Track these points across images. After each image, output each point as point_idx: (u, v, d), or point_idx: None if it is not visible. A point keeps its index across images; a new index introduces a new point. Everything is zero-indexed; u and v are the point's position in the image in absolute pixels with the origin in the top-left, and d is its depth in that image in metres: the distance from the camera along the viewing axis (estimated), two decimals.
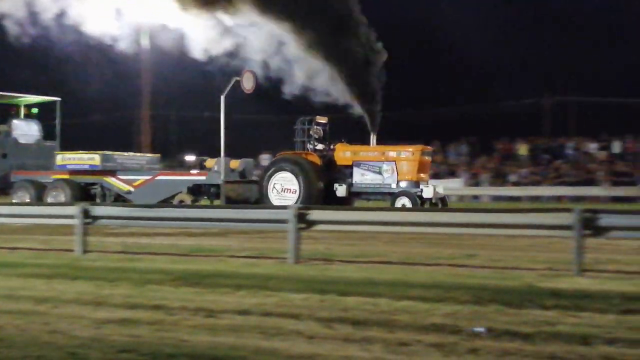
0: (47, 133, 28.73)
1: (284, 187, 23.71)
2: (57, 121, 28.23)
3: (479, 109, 48.03)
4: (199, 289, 9.72)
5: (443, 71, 51.54)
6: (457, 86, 51.96)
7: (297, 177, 23.58)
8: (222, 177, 24.26)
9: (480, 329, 7.11)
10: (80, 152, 26.22)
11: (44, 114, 29.30)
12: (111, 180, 25.51)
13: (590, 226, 11.23)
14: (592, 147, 42.37)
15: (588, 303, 8.42)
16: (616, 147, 42.09)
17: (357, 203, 24.79)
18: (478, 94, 49.86)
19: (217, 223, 14.55)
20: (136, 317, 7.89)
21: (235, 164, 25.12)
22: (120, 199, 25.28)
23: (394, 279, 10.50)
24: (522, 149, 42.34)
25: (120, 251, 14.51)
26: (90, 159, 25.73)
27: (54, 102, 28.37)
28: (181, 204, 22.38)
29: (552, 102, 52.72)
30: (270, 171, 24.10)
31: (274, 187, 23.83)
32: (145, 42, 34.26)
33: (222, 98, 24.55)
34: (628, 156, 41.25)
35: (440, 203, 23.29)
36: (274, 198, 23.72)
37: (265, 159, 42.91)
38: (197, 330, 7.31)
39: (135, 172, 25.81)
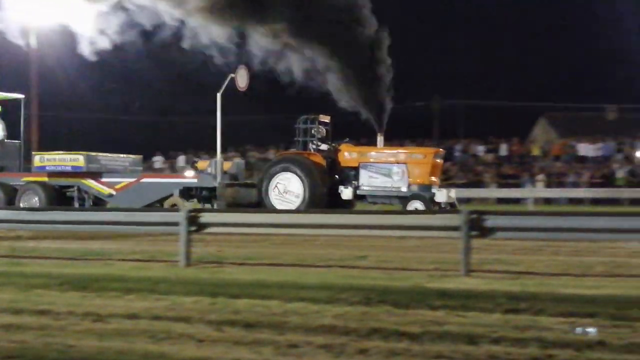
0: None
1: (287, 189, 22.53)
2: (22, 119, 26.03)
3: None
4: (86, 293, 9.56)
5: None
6: None
7: (301, 179, 22.36)
8: (218, 179, 22.88)
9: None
10: (62, 152, 24.71)
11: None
12: (90, 182, 24.00)
13: (477, 227, 11.47)
14: (480, 149, 43.31)
15: (474, 303, 8.59)
16: (503, 149, 43.13)
17: (360, 206, 23.38)
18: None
19: (107, 226, 14.34)
20: (21, 323, 7.71)
21: (227, 165, 23.92)
22: (101, 202, 23.85)
23: (285, 281, 10.52)
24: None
25: (6, 255, 14.14)
26: (73, 159, 24.23)
27: (18, 99, 26.06)
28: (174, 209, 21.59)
29: (441, 105, 53.70)
30: (272, 172, 22.82)
31: (275, 188, 22.63)
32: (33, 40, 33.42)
33: (218, 96, 23.07)
34: (514, 158, 42.29)
35: (449, 207, 21.94)
36: (276, 200, 22.55)
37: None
38: (84, 335, 7.18)
39: (117, 174, 24.40)
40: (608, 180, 39.02)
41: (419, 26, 56.75)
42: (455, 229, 11.47)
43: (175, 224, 12.73)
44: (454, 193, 22.93)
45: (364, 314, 8.10)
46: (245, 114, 46.65)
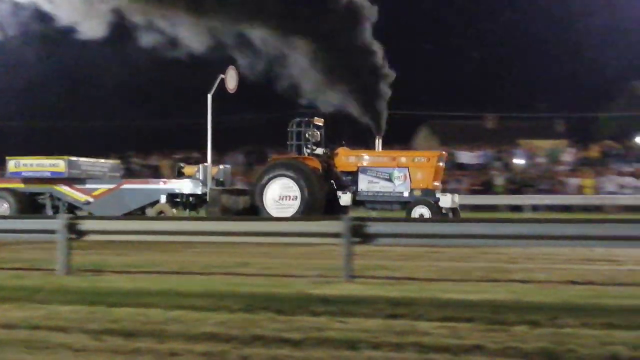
0: None
1: (283, 195, 21.73)
2: None
3: (259, 118, 48.54)
4: None
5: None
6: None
7: (298, 184, 21.57)
8: (208, 185, 22.19)
9: None
10: (41, 157, 23.55)
11: None
12: (63, 189, 22.97)
13: (359, 234, 11.57)
14: None
15: (356, 308, 8.66)
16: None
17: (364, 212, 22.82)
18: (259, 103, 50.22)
19: None
20: None
21: (214, 170, 23.02)
22: (77, 210, 22.76)
23: (166, 289, 10.41)
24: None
25: None
26: (53, 165, 23.08)
27: None
28: (161, 216, 20.75)
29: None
30: (267, 178, 22.01)
31: (270, 195, 21.85)
32: None
33: (209, 97, 22.44)
34: None
35: (452, 213, 21.71)
36: (272, 208, 21.73)
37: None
38: None
39: (94, 180, 23.33)
40: (487, 187, 39.87)
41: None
42: (337, 235, 11.55)
43: (54, 231, 12.45)
44: (457, 198, 22.34)
45: (245, 321, 8.08)
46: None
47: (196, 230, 12.81)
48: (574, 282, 11.09)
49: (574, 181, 38.20)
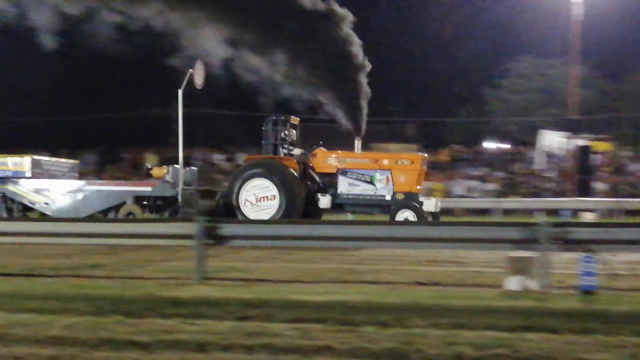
0: None
1: (260, 197, 20.70)
2: None
3: (110, 118, 47.68)
4: None
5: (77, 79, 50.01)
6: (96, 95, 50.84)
7: (276, 185, 20.55)
8: (180, 187, 21.01)
9: None
10: (3, 155, 22.11)
11: None
12: (17, 189, 21.55)
13: (213, 235, 11.54)
14: (219, 158, 43.72)
15: (207, 310, 8.63)
16: (240, 158, 43.77)
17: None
18: (109, 103, 49.34)
19: None
20: None
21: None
22: (33, 212, 21.44)
23: (11, 291, 10.11)
24: (151, 159, 42.61)
25: None
26: (16, 164, 21.78)
27: None
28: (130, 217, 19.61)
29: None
30: (243, 178, 20.90)
31: (247, 196, 20.74)
32: None
33: (180, 92, 21.22)
34: None
35: (432, 217, 20.84)
36: (249, 210, 20.64)
37: None
38: None
39: (52, 180, 21.96)
40: None
41: None
42: (190, 237, 11.48)
43: None
44: (439, 202, 21.87)
45: (94, 324, 7.94)
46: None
47: (46, 232, 12.51)
48: (421, 284, 11.36)
49: (424, 184, 38.97)
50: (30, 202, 21.87)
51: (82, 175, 25.64)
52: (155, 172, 22.44)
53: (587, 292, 10.06)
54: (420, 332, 7.62)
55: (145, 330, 7.64)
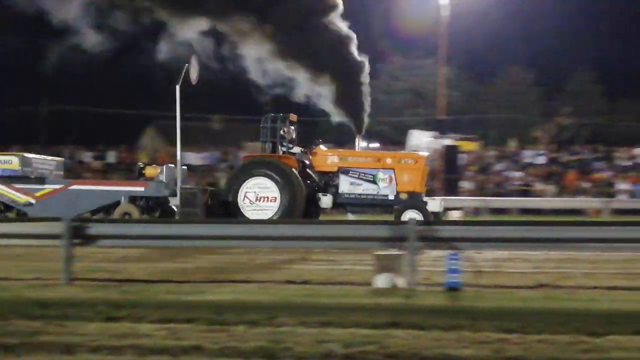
0: None
1: (260, 196, 19.80)
2: None
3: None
4: None
5: None
6: None
7: (277, 184, 19.69)
8: (179, 186, 19.92)
9: None
10: None
11: None
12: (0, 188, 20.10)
13: (80, 235, 11.37)
14: (88, 156, 43.01)
15: (74, 312, 8.50)
16: (111, 156, 43.17)
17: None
18: None
19: None
20: None
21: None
22: (15, 212, 20.03)
23: None
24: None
25: None
26: (5, 162, 20.42)
27: None
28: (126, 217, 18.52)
29: (48, 110, 52.50)
30: (242, 177, 20.10)
31: (246, 196, 19.84)
32: None
33: (177, 88, 20.04)
34: (122, 165, 42.42)
35: (435, 218, 19.61)
36: (248, 210, 19.79)
37: None
38: None
39: (37, 179, 20.55)
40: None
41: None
42: (57, 237, 11.28)
43: None
44: (442, 203, 21.02)
45: None
46: None
47: None
48: (291, 282, 11.44)
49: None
50: (13, 202, 20.65)
51: None
52: (149, 171, 21.53)
53: (453, 288, 10.35)
54: (290, 330, 7.70)
55: (11, 332, 7.50)
